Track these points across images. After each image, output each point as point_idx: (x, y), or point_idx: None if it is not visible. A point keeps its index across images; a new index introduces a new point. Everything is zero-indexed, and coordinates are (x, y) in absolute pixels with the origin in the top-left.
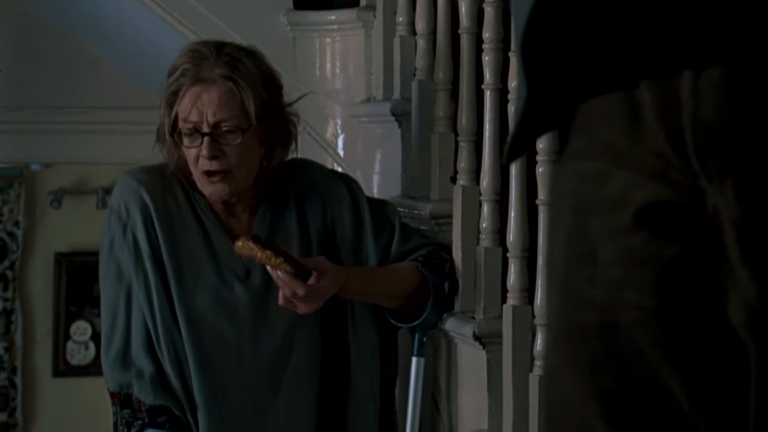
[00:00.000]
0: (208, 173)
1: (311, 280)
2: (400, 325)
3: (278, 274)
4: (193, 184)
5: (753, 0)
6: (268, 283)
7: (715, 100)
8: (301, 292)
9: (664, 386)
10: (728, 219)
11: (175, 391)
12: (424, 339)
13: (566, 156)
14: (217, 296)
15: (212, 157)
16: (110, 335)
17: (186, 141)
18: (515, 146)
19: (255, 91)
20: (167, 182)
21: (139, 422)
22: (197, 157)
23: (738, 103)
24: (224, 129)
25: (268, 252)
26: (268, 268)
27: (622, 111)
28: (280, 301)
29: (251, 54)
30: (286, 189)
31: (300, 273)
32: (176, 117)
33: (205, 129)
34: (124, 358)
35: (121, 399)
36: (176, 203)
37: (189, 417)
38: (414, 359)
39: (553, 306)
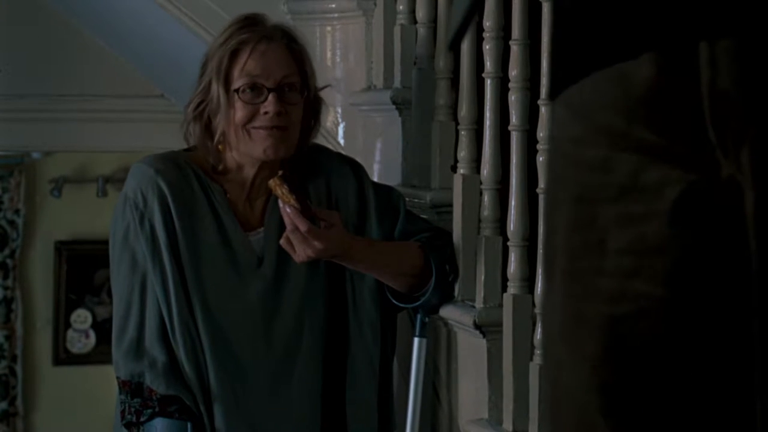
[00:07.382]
0: (267, 128)
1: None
2: (402, 305)
3: (286, 209)
4: (207, 173)
5: None
6: (280, 271)
7: (732, 68)
8: (302, 227)
9: (664, 380)
10: (746, 187)
11: (187, 381)
12: (426, 320)
13: (560, 141)
14: (231, 285)
15: (277, 113)
16: (123, 325)
17: (248, 97)
18: (462, 32)
19: (309, 57)
20: (182, 171)
21: (149, 410)
22: (253, 114)
23: (754, 71)
24: (287, 87)
25: (286, 188)
26: (279, 203)
27: (617, 90)
28: (282, 240)
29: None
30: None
31: (307, 213)
32: (232, 77)
33: (271, 84)
34: (138, 348)
35: (132, 388)
36: (191, 192)
37: (201, 406)
38: (416, 339)
39: (555, 297)
